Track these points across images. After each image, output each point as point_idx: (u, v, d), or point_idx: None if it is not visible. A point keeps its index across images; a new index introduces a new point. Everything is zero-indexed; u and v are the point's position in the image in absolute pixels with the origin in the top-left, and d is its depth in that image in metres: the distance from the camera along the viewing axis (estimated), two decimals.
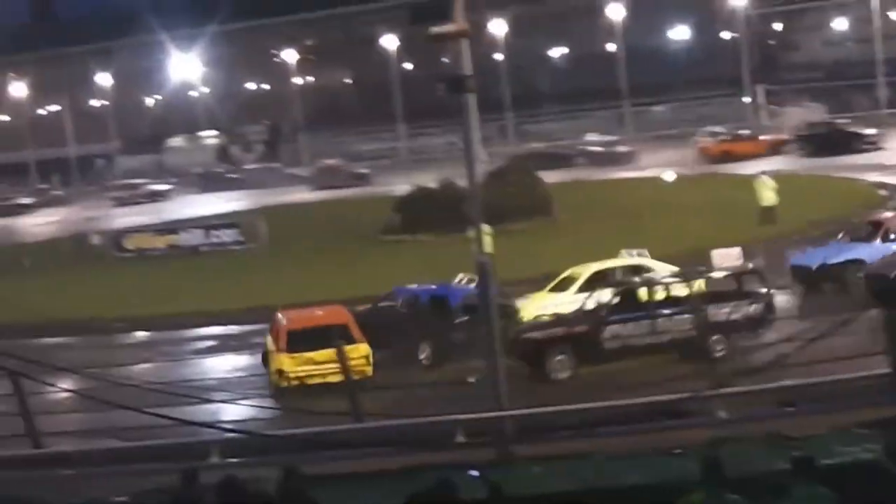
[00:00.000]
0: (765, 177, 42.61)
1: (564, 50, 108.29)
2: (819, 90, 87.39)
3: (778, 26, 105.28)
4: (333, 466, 18.13)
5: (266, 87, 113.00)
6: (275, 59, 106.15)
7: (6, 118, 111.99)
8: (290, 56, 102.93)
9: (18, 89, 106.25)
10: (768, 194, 41.61)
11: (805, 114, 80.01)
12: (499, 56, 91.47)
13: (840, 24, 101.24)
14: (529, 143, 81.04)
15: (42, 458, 21.42)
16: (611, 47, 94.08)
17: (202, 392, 23.74)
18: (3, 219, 80.00)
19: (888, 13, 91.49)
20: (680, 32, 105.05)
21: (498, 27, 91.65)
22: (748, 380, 19.70)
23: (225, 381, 27.37)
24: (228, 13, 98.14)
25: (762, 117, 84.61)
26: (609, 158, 72.06)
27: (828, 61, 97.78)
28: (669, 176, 55.62)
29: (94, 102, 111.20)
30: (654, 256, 30.53)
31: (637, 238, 36.38)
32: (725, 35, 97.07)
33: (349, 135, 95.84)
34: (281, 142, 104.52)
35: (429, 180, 49.67)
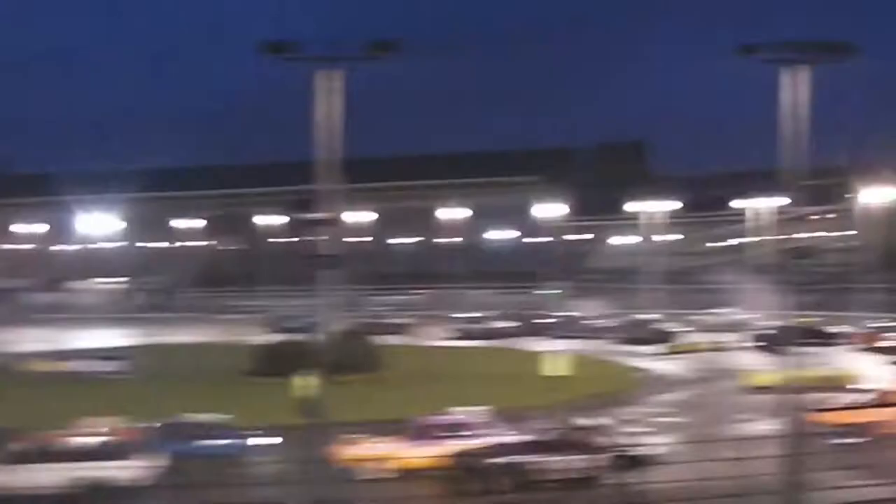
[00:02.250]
0: (556, 353, 43.18)
1: (414, 239, 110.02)
2: (608, 290, 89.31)
3: (580, 236, 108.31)
4: None
5: (165, 245, 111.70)
6: (173, 226, 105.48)
7: None
8: (187, 224, 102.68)
9: None
10: (556, 367, 42.13)
11: (594, 307, 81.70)
12: (360, 239, 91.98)
13: (627, 239, 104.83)
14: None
15: None
16: (450, 240, 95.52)
17: None
18: None
19: (665, 235, 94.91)
20: (506, 234, 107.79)
21: (361, 217, 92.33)
22: None
23: None
24: (142, 185, 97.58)
25: (560, 308, 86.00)
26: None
27: (616, 267, 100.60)
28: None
29: (22, 247, 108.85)
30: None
31: (451, 396, 36.38)
32: (539, 239, 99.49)
33: (229, 291, 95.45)
34: (174, 291, 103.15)
35: (286, 334, 49.36)
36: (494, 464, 24.86)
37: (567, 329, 67.40)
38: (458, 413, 28.99)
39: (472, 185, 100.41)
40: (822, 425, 29.99)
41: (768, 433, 26.56)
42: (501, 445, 25.78)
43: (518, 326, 69.70)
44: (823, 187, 60.49)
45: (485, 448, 25.71)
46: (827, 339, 57.63)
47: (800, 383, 29.77)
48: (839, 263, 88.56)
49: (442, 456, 25.82)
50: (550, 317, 73.04)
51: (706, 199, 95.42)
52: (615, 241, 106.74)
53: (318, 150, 20.82)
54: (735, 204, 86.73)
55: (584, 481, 24.28)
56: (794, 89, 22.50)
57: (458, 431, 27.26)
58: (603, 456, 24.91)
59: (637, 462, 25.03)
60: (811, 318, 61.66)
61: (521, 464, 24.76)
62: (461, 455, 25.45)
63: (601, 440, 25.75)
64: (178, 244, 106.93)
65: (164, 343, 65.52)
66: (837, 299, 76.59)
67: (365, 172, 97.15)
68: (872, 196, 76.24)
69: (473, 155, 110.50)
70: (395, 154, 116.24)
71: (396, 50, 20.47)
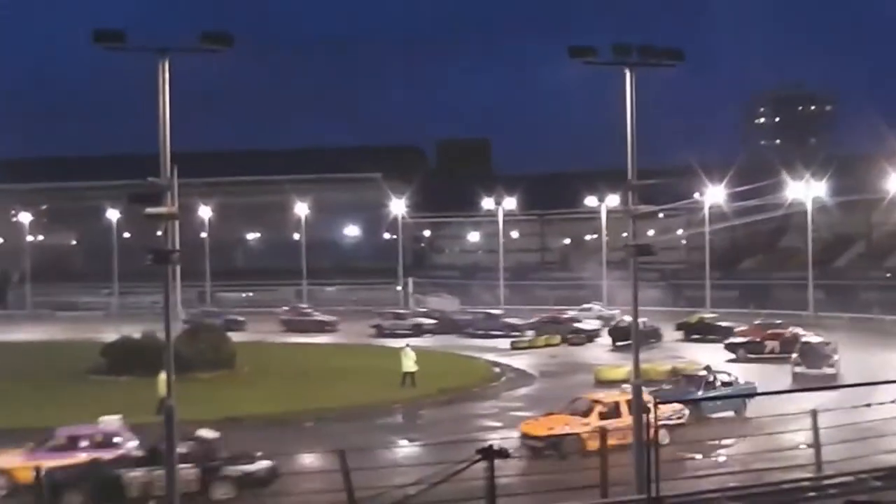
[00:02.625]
0: (408, 348, 43.23)
1: (258, 235, 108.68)
2: (455, 285, 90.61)
3: (427, 233, 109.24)
4: None
5: (1, 240, 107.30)
6: (12, 219, 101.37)
7: None
8: (24, 217, 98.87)
9: None
10: (409, 363, 42.18)
11: (444, 303, 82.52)
12: (204, 234, 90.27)
13: (474, 236, 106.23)
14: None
15: None
16: (296, 236, 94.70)
17: None
18: None
19: (511, 233, 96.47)
20: (352, 230, 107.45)
21: (205, 212, 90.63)
22: None
23: None
24: None
25: (410, 303, 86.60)
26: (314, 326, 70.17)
27: (463, 264, 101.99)
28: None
29: None
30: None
31: (303, 393, 36.21)
32: (387, 235, 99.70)
33: (71, 288, 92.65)
34: (10, 288, 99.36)
35: (134, 331, 48.03)
36: (75, 478, 23.48)
37: (483, 327, 65.08)
38: (109, 422, 26.97)
39: (317, 181, 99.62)
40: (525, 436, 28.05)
41: None
42: (97, 460, 24.48)
43: (436, 324, 66.70)
44: (663, 187, 62.29)
45: (74, 463, 24.30)
46: (723, 334, 56.21)
47: (645, 377, 30.58)
48: (677, 261, 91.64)
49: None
50: (467, 314, 70.57)
51: (553, 197, 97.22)
52: (464, 237, 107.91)
53: (158, 143, 20.30)
54: (584, 202, 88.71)
55: (190, 496, 23.16)
56: (624, 91, 23.06)
57: (98, 442, 25.70)
58: (215, 470, 24.06)
59: (258, 479, 24.25)
60: (705, 315, 62.83)
61: (112, 478, 23.46)
62: (49, 470, 23.22)
63: (223, 453, 24.63)
64: (12, 238, 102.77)
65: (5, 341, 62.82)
66: (678, 295, 79.25)
67: (210, 166, 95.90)
68: (709, 196, 79.00)
69: (318, 151, 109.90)
70: (239, 148, 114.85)
71: (227, 43, 19.99)
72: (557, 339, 59.00)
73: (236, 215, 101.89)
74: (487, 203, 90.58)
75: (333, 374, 45.17)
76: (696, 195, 79.26)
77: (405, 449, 30.28)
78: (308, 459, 27.05)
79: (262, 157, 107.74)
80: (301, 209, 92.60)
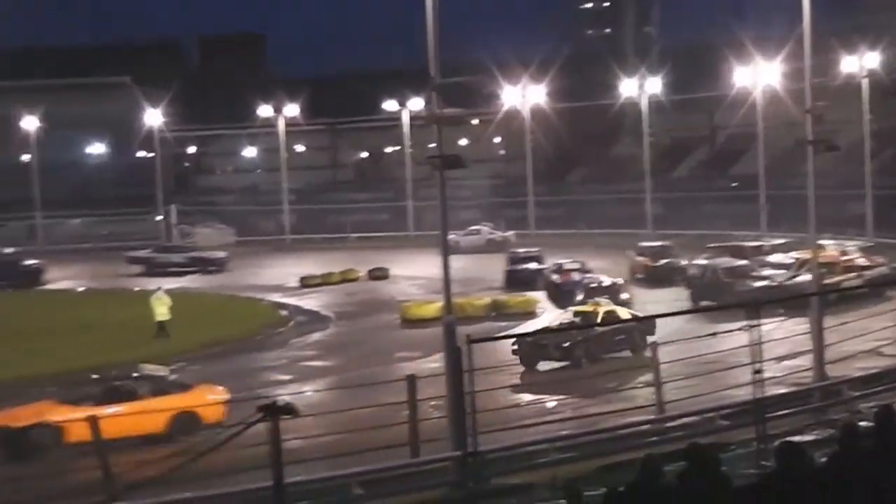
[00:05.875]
0: (160, 293, 42.53)
1: None
2: (230, 213, 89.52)
3: (192, 149, 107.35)
4: None
5: None
6: None
7: None
8: None
9: None
10: (162, 310, 41.58)
11: (216, 235, 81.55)
12: None
13: (250, 152, 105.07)
14: None
15: None
16: (26, 157, 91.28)
17: None
18: None
19: (295, 146, 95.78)
20: (97, 148, 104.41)
21: None
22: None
23: None
24: None
25: (174, 236, 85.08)
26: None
27: (239, 186, 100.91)
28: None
29: None
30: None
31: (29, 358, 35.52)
32: (142, 154, 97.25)
33: None
34: None
35: None
36: None
37: None
38: None
39: (49, 89, 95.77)
40: None
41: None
42: None
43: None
44: (476, 86, 62.77)
45: None
46: None
47: (461, 314, 31.12)
48: (496, 175, 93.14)
49: None
50: None
51: (344, 102, 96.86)
52: (238, 153, 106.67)
53: None
54: (381, 107, 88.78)
55: None
56: None
57: None
58: None
59: None
60: None
61: None
62: None
63: None
64: None
65: None
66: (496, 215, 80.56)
67: None
68: (529, 97, 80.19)
69: (51, 51, 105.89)
70: None
71: None
72: (357, 273, 59.12)
73: None
74: (265, 111, 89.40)
75: (75, 328, 43.96)
76: (514, 96, 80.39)
77: None
78: None
79: None
80: (30, 123, 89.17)
